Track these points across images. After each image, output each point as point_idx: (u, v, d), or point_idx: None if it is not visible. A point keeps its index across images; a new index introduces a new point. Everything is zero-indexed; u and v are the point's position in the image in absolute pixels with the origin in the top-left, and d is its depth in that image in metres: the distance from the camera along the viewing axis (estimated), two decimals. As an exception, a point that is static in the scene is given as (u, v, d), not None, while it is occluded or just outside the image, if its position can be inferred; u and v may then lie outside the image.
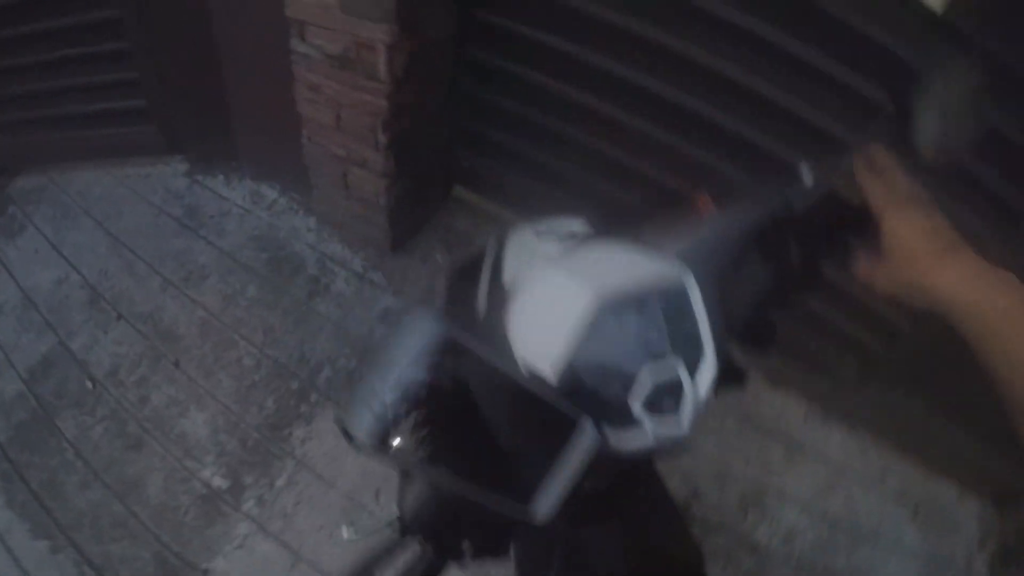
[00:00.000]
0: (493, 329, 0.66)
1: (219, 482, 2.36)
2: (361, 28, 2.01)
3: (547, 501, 0.57)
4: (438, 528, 0.73)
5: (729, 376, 0.65)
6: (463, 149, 2.74)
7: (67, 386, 2.72)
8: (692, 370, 0.61)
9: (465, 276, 0.82)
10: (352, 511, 2.30)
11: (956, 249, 0.68)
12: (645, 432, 0.60)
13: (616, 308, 0.61)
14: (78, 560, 2.26)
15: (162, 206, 3.24)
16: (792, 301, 0.80)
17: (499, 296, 0.71)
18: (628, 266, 0.65)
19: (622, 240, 0.70)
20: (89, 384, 2.71)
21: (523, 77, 2.33)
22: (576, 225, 0.81)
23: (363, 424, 0.57)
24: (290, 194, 3.11)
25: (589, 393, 0.60)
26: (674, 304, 0.62)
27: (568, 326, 0.60)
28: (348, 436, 0.58)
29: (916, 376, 2.16)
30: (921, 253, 0.69)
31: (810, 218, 0.77)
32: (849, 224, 0.78)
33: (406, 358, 0.58)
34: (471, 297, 0.77)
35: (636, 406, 0.60)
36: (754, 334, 0.77)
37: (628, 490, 0.74)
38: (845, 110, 1.82)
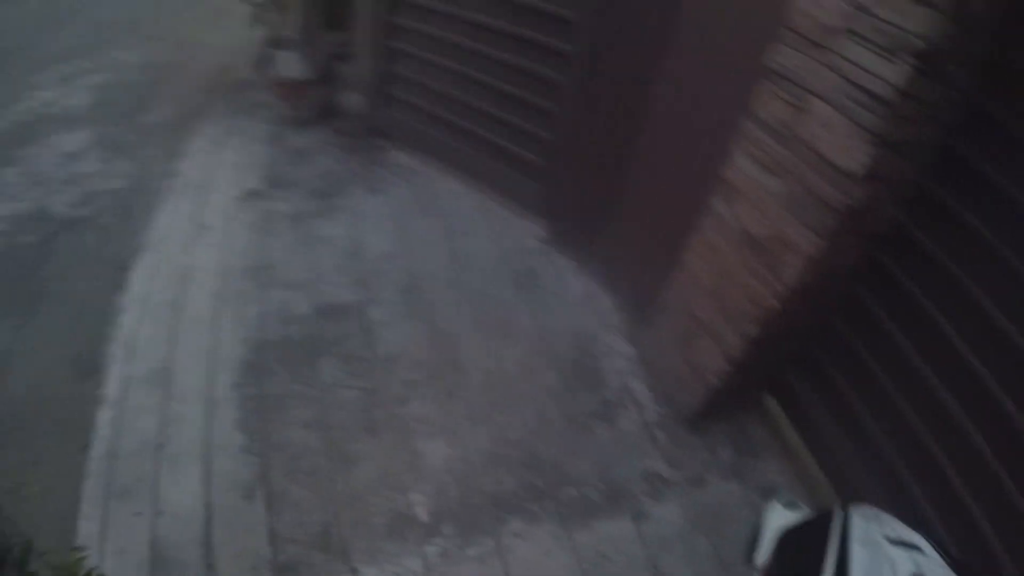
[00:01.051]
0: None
1: (421, 513, 2.36)
2: (792, 227, 1.99)
3: None
4: None
5: None
6: (793, 364, 2.57)
7: (347, 342, 2.93)
8: None
9: (800, 543, 0.94)
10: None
11: None
12: None
13: None
14: (258, 474, 2.41)
15: (508, 253, 3.46)
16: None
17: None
18: None
19: None
20: (367, 354, 2.77)
21: (889, 333, 2.13)
22: (922, 544, 0.86)
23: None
24: (624, 315, 3.10)
25: None
26: None
27: None
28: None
29: None
30: None
31: None
32: None
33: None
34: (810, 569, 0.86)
35: None
36: None
37: None
38: None
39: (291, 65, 4.28)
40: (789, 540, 0.95)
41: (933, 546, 0.86)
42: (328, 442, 2.50)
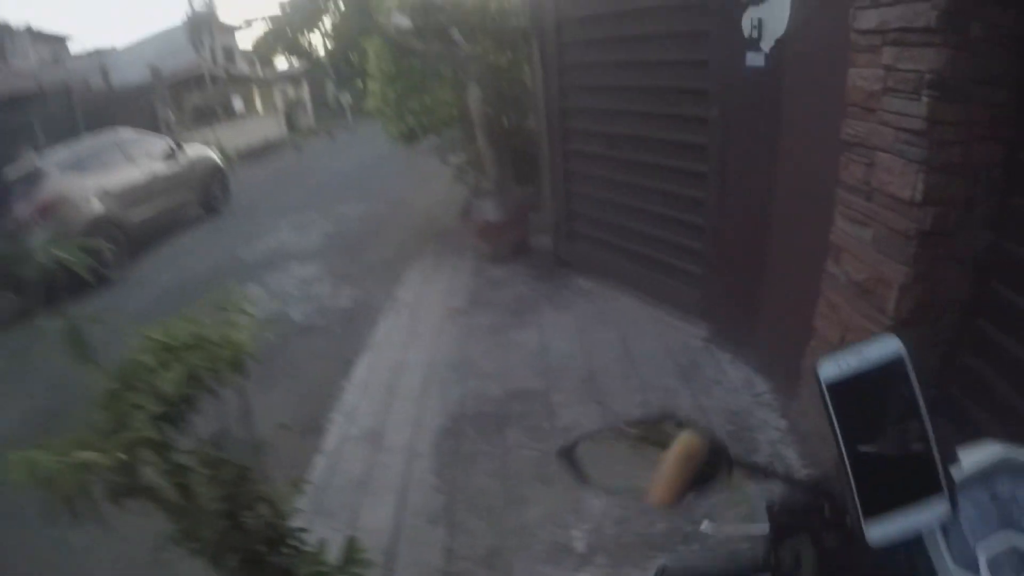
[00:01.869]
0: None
1: (578, 545, 2.70)
2: (884, 265, 2.27)
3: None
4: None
5: None
6: (931, 410, 2.55)
7: (530, 417, 3.51)
8: None
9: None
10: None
11: None
12: None
13: None
14: (444, 507, 2.93)
15: (673, 350, 3.87)
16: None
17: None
18: None
19: None
20: (546, 424, 3.26)
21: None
22: None
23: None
24: (777, 393, 3.31)
25: None
26: None
27: None
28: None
29: None
30: None
31: None
32: None
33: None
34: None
35: None
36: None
37: None
38: None
39: (489, 211, 5.33)
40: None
41: None
42: (505, 487, 2.99)
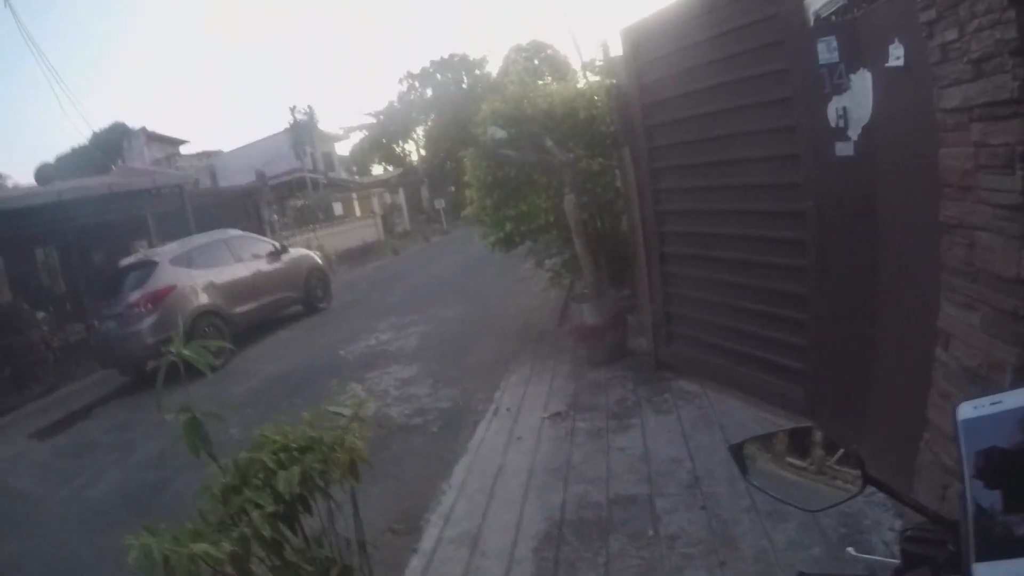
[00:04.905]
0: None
1: None
2: (995, 348, 2.24)
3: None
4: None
5: None
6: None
7: (634, 523, 3.53)
8: None
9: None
10: None
11: None
12: None
13: None
14: None
15: (783, 451, 3.71)
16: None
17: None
18: None
19: None
20: (650, 531, 3.25)
21: None
22: None
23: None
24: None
25: None
26: None
27: None
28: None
29: None
30: None
31: None
32: None
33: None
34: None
35: None
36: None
37: None
38: None
39: (587, 314, 5.48)
40: None
41: None
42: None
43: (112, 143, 25.83)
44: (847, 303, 3.51)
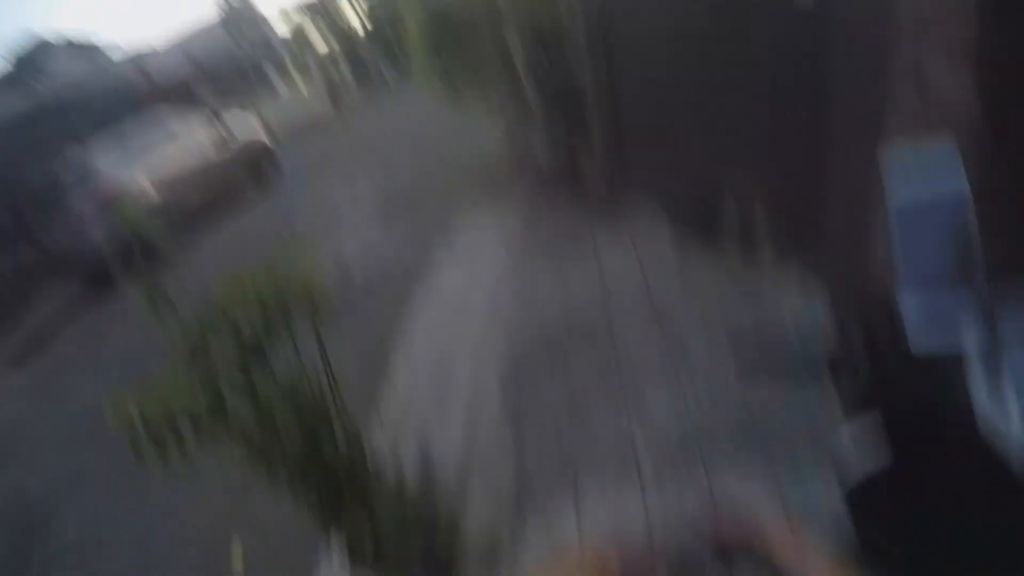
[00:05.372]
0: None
1: (647, 470, 2.85)
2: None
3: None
4: None
5: None
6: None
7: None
8: None
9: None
10: None
11: None
12: None
13: None
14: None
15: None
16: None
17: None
18: None
19: None
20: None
21: None
22: None
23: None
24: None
25: None
26: None
27: None
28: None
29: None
30: None
31: None
32: None
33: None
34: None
35: None
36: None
37: None
38: None
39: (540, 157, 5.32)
40: None
41: None
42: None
43: (36, 64, 23.57)
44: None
